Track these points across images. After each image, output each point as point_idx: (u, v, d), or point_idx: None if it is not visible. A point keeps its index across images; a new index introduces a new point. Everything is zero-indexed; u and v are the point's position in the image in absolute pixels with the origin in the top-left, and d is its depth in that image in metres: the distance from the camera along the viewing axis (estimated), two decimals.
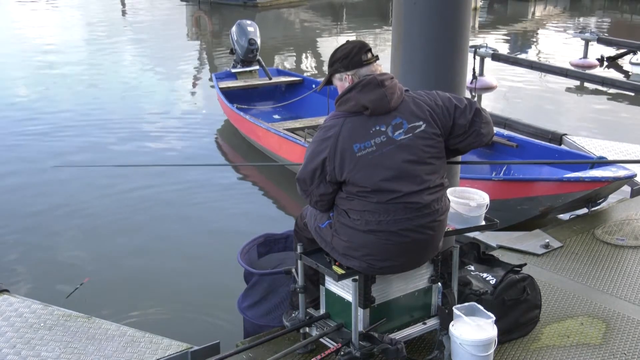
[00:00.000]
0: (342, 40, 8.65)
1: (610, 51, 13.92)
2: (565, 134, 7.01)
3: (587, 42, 13.49)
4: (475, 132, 3.02)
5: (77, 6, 23.51)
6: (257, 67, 9.83)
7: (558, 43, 16.47)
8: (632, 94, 11.01)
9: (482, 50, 11.74)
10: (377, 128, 2.90)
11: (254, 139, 8.28)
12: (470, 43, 5.76)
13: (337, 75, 3.06)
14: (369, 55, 3.02)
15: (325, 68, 3.27)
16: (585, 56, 13.47)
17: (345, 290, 3.11)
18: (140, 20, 20.50)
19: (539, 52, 16.16)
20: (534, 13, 22.66)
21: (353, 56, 3.00)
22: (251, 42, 9.57)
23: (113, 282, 5.35)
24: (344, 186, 2.94)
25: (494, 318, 3.15)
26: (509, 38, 18.03)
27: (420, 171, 2.90)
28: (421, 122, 2.93)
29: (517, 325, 3.54)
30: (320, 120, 7.66)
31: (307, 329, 3.31)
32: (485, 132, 3.05)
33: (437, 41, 3.53)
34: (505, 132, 7.15)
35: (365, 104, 2.89)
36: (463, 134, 3.02)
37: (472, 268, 3.70)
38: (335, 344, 3.12)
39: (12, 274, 5.48)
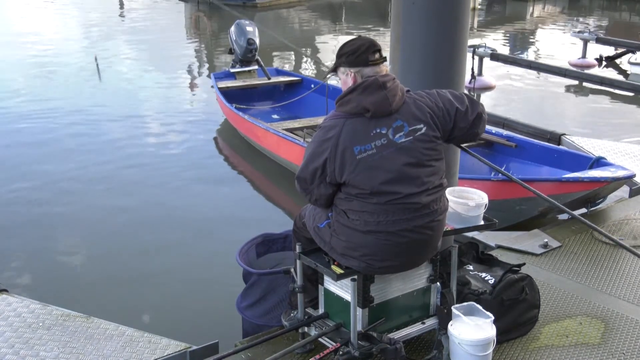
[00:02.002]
0: (341, 40, 8.64)
1: (609, 51, 13.93)
2: (564, 134, 7.02)
3: (585, 41, 13.49)
4: (472, 133, 3.11)
5: (75, 5, 23.47)
6: (256, 67, 9.81)
7: (557, 43, 16.47)
8: (631, 93, 11.01)
9: (481, 50, 11.75)
10: (378, 131, 2.88)
11: (253, 138, 8.27)
12: (469, 43, 5.75)
13: (341, 69, 3.03)
14: (377, 55, 2.96)
15: (324, 68, 3.27)
16: (583, 56, 13.47)
17: (344, 290, 3.11)
18: (138, 20, 20.47)
19: (538, 51, 16.16)
20: (532, 13, 22.67)
21: (360, 54, 2.96)
22: (250, 42, 9.56)
23: (111, 282, 5.35)
24: (343, 187, 2.94)
25: (493, 318, 3.15)
26: (507, 38, 18.03)
27: (420, 173, 2.90)
28: (422, 125, 2.93)
29: (515, 325, 3.54)
30: (319, 120, 7.64)
31: (305, 329, 3.31)
32: (481, 132, 3.16)
33: (435, 41, 3.53)
34: (504, 132, 7.16)
35: (366, 106, 2.87)
36: (461, 134, 3.08)
37: (471, 268, 3.70)
38: (334, 344, 3.12)
39: (11, 274, 5.47)
